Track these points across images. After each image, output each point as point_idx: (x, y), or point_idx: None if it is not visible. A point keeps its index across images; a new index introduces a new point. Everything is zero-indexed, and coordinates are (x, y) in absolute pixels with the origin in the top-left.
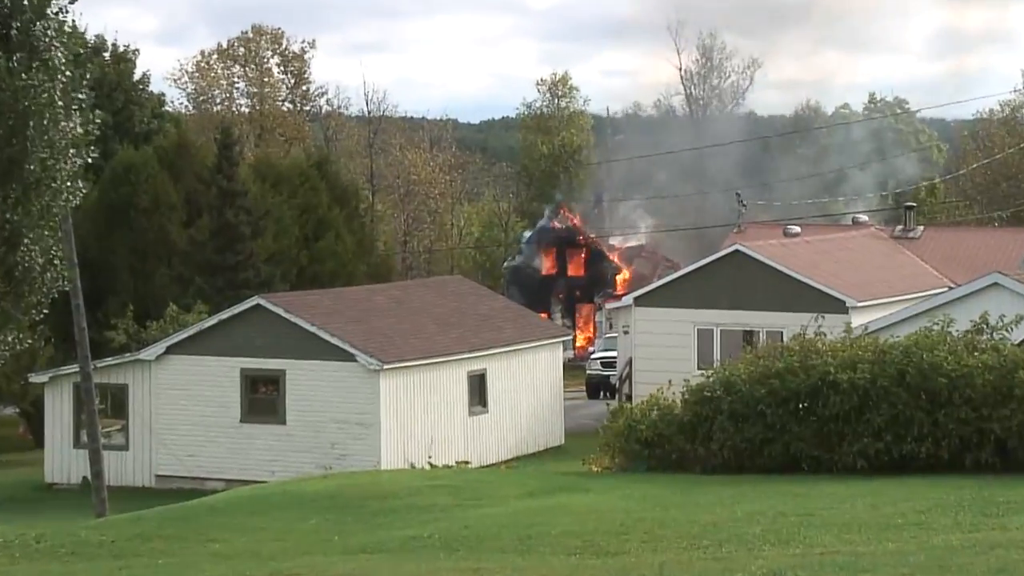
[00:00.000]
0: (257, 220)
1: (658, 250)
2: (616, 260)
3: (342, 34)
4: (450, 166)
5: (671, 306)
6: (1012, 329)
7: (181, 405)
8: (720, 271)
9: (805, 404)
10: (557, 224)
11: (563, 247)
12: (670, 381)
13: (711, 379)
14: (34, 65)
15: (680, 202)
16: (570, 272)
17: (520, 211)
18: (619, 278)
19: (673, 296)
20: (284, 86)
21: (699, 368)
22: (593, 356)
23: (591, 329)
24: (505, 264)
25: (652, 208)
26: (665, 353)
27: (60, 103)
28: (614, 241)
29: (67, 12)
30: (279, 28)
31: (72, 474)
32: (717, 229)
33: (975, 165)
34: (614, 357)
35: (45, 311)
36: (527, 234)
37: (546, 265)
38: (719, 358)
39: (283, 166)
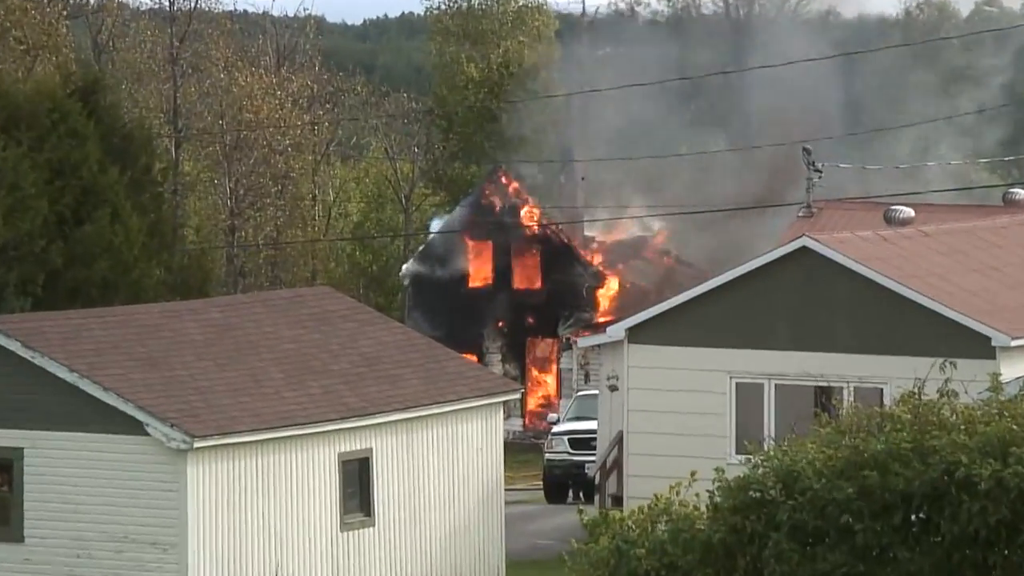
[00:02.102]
0: None
1: (668, 246)
2: (596, 263)
3: None
4: (311, 98)
5: (691, 344)
6: None
7: None
8: (776, 284)
9: (922, 515)
10: (496, 200)
11: (505, 241)
12: (693, 473)
13: (760, 470)
14: None
15: (708, 163)
16: (517, 283)
17: (431, 177)
18: (601, 294)
19: (694, 327)
20: None
21: (740, 451)
22: (556, 429)
23: (553, 382)
24: (405, 268)
25: (658, 174)
26: (680, 424)
27: None
28: (592, 231)
29: None
30: None
31: None
32: (770, 210)
33: None
34: (592, 431)
35: None
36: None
37: (476, 271)
38: (774, 433)
39: (22, 95)
